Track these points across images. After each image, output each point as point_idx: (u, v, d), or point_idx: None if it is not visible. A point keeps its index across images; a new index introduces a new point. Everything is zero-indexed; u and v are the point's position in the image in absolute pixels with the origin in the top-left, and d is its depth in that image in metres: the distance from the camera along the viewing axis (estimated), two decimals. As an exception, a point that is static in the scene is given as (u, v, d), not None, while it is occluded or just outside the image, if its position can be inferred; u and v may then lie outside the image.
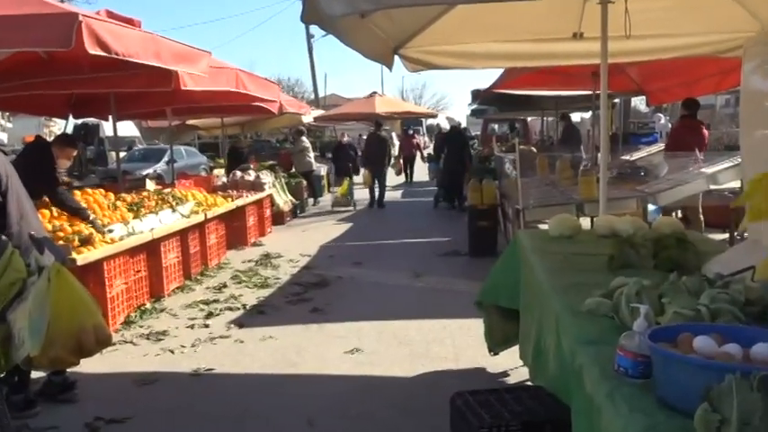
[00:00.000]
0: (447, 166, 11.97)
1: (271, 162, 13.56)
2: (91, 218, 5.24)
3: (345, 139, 15.16)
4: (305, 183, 12.69)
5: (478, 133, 25.80)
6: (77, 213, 5.14)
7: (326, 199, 13.96)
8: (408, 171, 17.83)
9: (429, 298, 5.84)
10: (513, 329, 3.38)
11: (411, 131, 18.09)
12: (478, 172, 9.47)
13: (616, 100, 13.58)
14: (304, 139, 13.42)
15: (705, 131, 7.10)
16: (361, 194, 13.62)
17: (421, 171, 18.03)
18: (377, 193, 12.87)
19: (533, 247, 3.15)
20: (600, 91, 4.17)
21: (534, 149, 10.31)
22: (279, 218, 10.65)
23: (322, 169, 15.50)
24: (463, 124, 22.85)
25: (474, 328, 4.63)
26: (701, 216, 6.42)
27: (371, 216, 11.98)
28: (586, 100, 9.92)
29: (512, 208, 6.48)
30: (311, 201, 13.37)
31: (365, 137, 14.49)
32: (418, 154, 17.89)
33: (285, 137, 23.10)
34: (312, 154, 13.70)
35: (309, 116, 15.13)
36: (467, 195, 8.68)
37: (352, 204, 12.92)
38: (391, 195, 15.14)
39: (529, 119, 21.30)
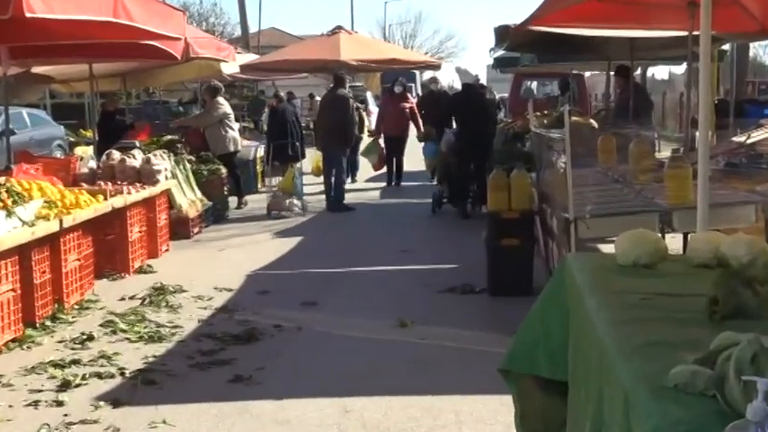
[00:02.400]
0: (458, 148, 11.89)
1: (170, 137, 13.48)
2: None
3: (295, 101, 15.11)
4: (225, 172, 12.60)
5: (505, 96, 25.71)
6: None
7: (259, 199, 13.84)
8: (395, 163, 16.44)
9: (423, 361, 5.85)
10: (557, 412, 3.41)
11: (400, 88, 16.65)
12: (505, 158, 9.48)
13: (725, 47, 13.66)
14: (222, 101, 13.31)
15: None
16: (318, 196, 13.48)
17: (412, 155, 17.33)
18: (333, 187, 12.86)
19: (591, 283, 3.19)
20: (699, 31, 4.22)
21: (594, 123, 10.38)
22: (182, 228, 10.61)
23: (252, 150, 15.37)
24: (482, 81, 22.46)
25: (496, 409, 4.67)
26: None
27: (332, 227, 11.83)
28: (678, 45, 9.78)
29: (557, 217, 6.48)
30: (234, 201, 13.29)
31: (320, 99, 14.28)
32: (415, 130, 16.18)
33: (194, 97, 22.94)
34: (236, 126, 13.59)
35: (234, 64, 14.98)
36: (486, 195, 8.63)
37: (301, 207, 12.88)
38: (365, 195, 15.02)
39: (586, 74, 21.25)
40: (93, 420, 4.79)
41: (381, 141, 16.52)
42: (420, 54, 35.43)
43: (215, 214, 12.01)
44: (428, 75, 20.39)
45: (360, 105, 17.37)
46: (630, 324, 2.64)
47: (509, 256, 7.49)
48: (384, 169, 16.68)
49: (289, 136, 13.66)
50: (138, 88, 22.07)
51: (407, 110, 16.21)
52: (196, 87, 19.60)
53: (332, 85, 13.73)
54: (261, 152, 15.67)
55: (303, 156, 14.07)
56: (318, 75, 20.92)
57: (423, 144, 15.18)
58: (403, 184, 16.38)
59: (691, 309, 2.74)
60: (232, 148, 13.16)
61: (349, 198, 13.64)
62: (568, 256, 3.82)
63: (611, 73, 14.08)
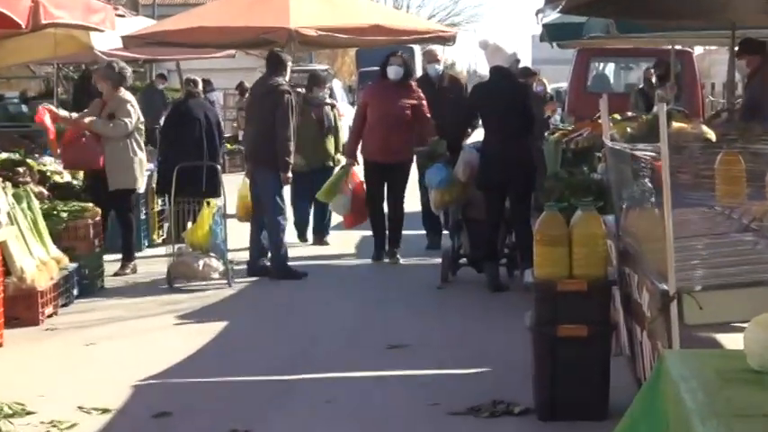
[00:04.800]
0: (485, 174, 10.75)
1: (6, 155, 12.73)
2: None
3: (213, 95, 14.41)
4: (98, 213, 11.40)
5: (563, 87, 24.31)
6: None
7: (154, 259, 12.98)
8: (387, 212, 12.94)
9: None
10: None
11: (399, 69, 12.58)
12: (562, 191, 9.46)
13: None
14: (132, 100, 12.03)
15: None
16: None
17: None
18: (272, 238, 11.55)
19: (706, 399, 3.20)
20: None
21: (710, 132, 9.98)
22: (25, 307, 9.95)
23: (144, 179, 13.81)
24: (525, 62, 19.40)
25: None
26: None
27: (274, 305, 10.82)
28: None
29: (649, 290, 6.23)
30: (115, 262, 12.26)
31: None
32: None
33: (46, 88, 23.25)
34: (136, 141, 12.00)
35: (112, 36, 13.87)
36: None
37: (224, 272, 11.60)
38: (325, 252, 14.00)
39: (696, 51, 20.09)
40: None
41: (359, 172, 12.84)
42: (420, 20, 30.83)
43: (82, 284, 11.02)
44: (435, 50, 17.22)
45: (330, 103, 15.02)
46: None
47: (571, 354, 6.84)
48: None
49: (205, 153, 12.44)
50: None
51: (409, 110, 12.41)
52: (51, 74, 18.81)
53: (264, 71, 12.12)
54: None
55: (215, 193, 12.21)
56: (252, 52, 19.83)
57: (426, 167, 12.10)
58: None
59: None
60: (140, 182, 11.96)
61: (297, 256, 12.40)
62: (668, 355, 3.82)
63: (736, 49, 13.40)
